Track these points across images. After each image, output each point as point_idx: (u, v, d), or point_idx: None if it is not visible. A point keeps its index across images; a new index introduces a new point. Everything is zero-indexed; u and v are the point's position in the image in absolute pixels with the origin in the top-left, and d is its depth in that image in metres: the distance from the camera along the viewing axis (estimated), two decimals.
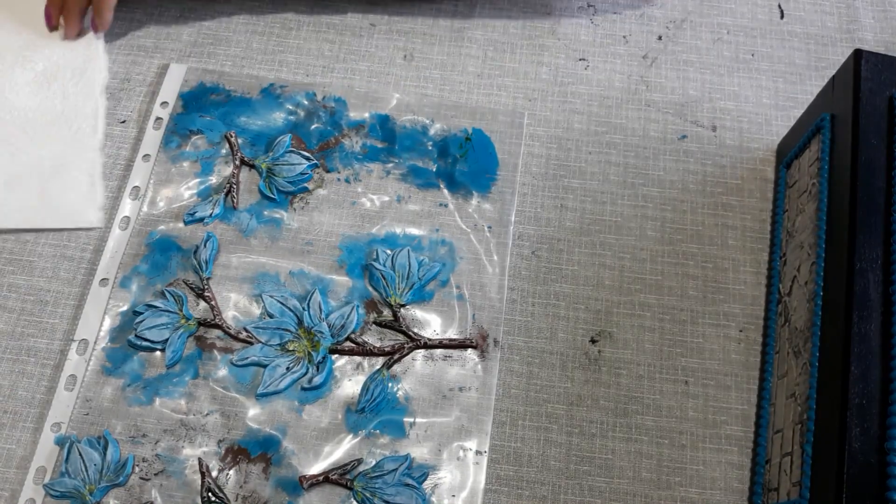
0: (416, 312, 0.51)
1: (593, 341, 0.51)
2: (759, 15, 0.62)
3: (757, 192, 0.55)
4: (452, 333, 0.50)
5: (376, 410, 0.48)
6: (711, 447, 0.48)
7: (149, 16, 0.61)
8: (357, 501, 0.45)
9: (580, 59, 0.60)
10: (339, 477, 0.46)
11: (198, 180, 0.54)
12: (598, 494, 0.47)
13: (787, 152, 0.53)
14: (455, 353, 0.50)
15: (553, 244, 0.53)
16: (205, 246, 0.51)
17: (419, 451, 0.47)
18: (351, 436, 0.47)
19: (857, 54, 0.46)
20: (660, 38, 0.61)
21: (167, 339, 0.49)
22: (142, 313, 0.49)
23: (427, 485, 0.46)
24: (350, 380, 0.49)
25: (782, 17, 0.62)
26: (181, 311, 0.50)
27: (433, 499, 0.46)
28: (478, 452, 0.47)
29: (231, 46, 0.60)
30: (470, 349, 0.50)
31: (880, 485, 0.37)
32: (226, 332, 0.49)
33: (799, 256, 0.48)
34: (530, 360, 0.50)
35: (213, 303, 0.50)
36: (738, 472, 0.47)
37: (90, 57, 0.58)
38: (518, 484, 0.47)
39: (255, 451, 0.47)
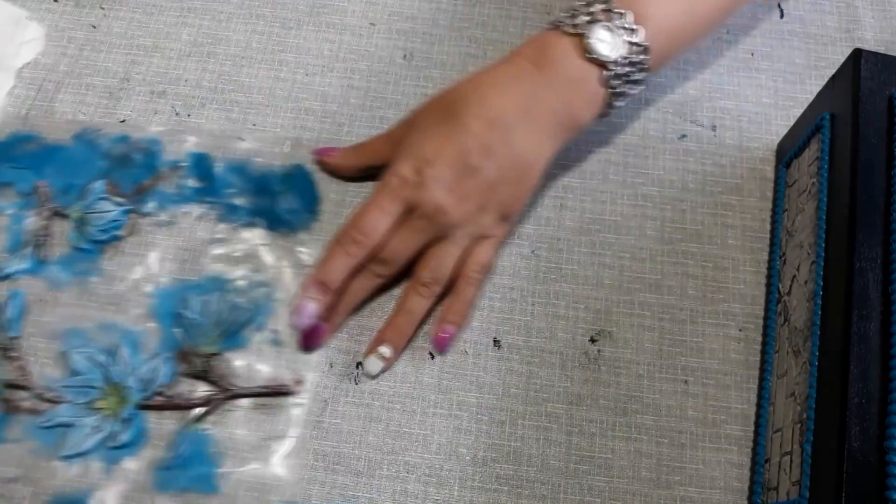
0: (233, 360, 0.49)
1: (593, 341, 0.51)
2: (759, 15, 0.62)
3: (757, 192, 0.55)
4: (268, 380, 0.49)
5: (185, 466, 0.46)
6: (711, 446, 0.48)
7: (149, 15, 0.61)
8: None
9: None
10: None
11: (6, 234, 0.52)
12: (598, 494, 0.47)
13: (787, 152, 0.53)
14: (271, 401, 0.48)
15: (553, 243, 0.53)
16: (8, 304, 0.49)
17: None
18: (160, 494, 0.45)
19: (857, 54, 0.46)
20: None
21: None
22: None
23: None
24: (160, 436, 0.47)
25: (782, 16, 0.62)
26: None
27: None
28: None
29: (231, 46, 0.60)
30: (285, 396, 0.48)
31: (879, 484, 0.37)
32: (32, 394, 0.47)
33: (798, 256, 0.48)
34: (530, 359, 0.50)
35: (19, 363, 0.48)
36: (737, 471, 0.47)
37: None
38: (518, 483, 0.47)
39: None
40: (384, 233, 0.48)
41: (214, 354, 0.49)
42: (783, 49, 0.60)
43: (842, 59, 0.60)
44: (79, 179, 0.53)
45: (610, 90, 0.49)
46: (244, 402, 0.48)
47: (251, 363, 0.49)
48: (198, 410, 0.48)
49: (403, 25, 0.61)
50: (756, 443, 0.47)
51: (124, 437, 0.46)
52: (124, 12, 0.61)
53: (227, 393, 0.48)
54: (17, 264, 0.51)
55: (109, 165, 0.54)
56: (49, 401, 0.47)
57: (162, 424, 0.48)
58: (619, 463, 0.48)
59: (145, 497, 0.46)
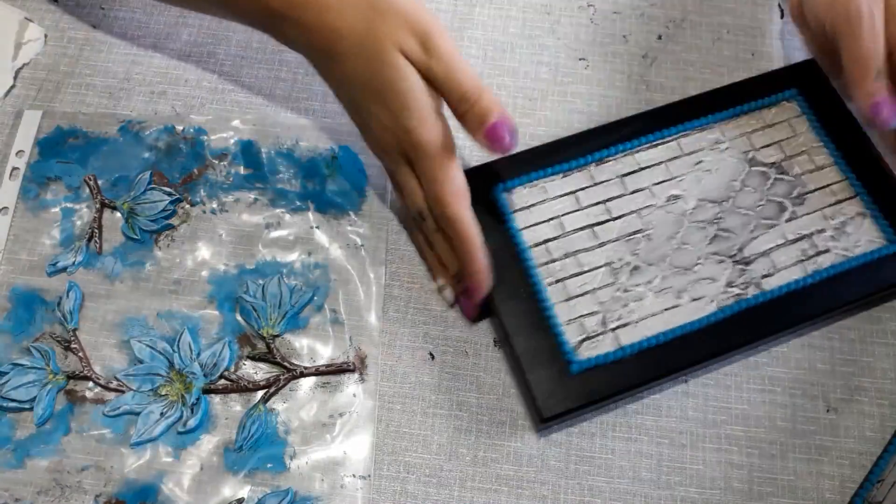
0: (293, 341, 0.50)
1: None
2: (759, 15, 0.62)
3: None
4: (330, 359, 0.49)
5: (255, 447, 0.47)
6: (711, 447, 0.48)
7: (148, 15, 0.61)
8: None
9: (580, 59, 0.60)
10: None
11: (59, 228, 0.52)
12: (598, 494, 0.47)
13: None
14: (333, 378, 0.49)
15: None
16: (67, 296, 0.50)
17: (302, 484, 0.46)
18: (231, 476, 0.46)
19: None
20: (660, 37, 0.61)
21: (35, 398, 0.47)
22: (6, 373, 0.48)
23: None
24: (227, 418, 0.48)
25: (782, 16, 0.62)
26: (48, 366, 0.48)
27: None
28: (362, 477, 0.46)
29: (231, 46, 0.60)
30: (348, 373, 0.49)
31: None
32: (96, 383, 0.48)
33: None
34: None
35: (80, 354, 0.48)
36: (738, 471, 0.47)
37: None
38: (518, 484, 0.47)
39: (135, 501, 0.45)
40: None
41: (276, 336, 0.49)
42: (783, 49, 0.60)
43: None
44: (126, 171, 0.54)
45: None
46: (308, 381, 0.49)
47: (312, 343, 0.50)
48: (262, 392, 0.48)
49: None
50: (876, 464, 0.47)
51: (192, 422, 0.47)
52: (124, 12, 0.61)
53: (290, 373, 0.49)
54: (71, 258, 0.51)
55: (156, 156, 0.55)
56: (114, 390, 0.48)
57: (228, 407, 0.48)
58: (619, 463, 0.48)
59: (216, 479, 0.46)
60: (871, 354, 0.50)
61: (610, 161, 0.53)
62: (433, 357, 0.50)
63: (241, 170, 0.54)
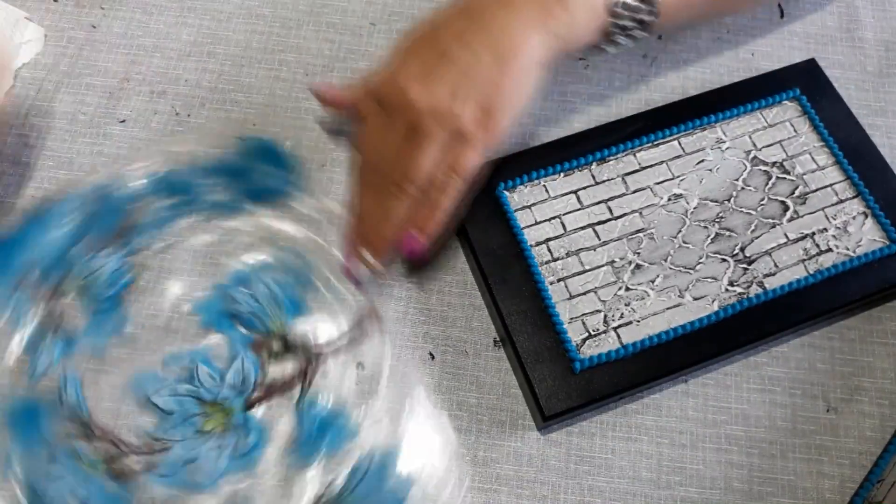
0: (304, 326, 0.50)
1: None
2: (759, 14, 0.62)
3: None
4: (344, 323, 0.50)
5: (317, 436, 0.47)
6: (711, 447, 0.48)
7: (148, 15, 0.61)
8: None
9: (580, 59, 0.60)
10: None
11: (17, 337, 0.49)
12: (598, 494, 0.47)
13: None
14: (360, 347, 0.49)
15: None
16: (66, 391, 0.47)
17: (377, 438, 0.47)
18: (311, 468, 0.46)
19: None
20: (660, 37, 0.61)
21: (85, 498, 0.45)
22: (43, 491, 0.45)
23: (401, 468, 0.46)
24: (280, 420, 0.47)
25: (782, 16, 0.62)
26: (84, 463, 0.46)
27: (411, 477, 0.46)
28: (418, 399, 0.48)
29: (231, 46, 0.60)
30: (368, 330, 0.50)
31: None
32: (138, 453, 0.46)
33: None
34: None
35: (107, 437, 0.46)
36: (738, 471, 0.47)
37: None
38: (518, 484, 0.47)
39: None
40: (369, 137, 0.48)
41: (284, 333, 0.49)
42: (783, 49, 0.60)
43: (842, 58, 0.60)
44: (53, 255, 0.51)
45: (612, 18, 0.47)
46: (335, 358, 0.49)
47: (320, 322, 0.50)
48: (298, 386, 0.48)
49: (403, 25, 0.61)
50: (876, 464, 0.47)
51: (250, 440, 0.47)
52: (124, 12, 0.61)
53: (316, 358, 0.49)
54: (47, 357, 0.48)
55: (78, 227, 0.52)
56: (159, 451, 0.47)
57: (275, 412, 0.48)
58: (619, 463, 0.47)
59: (299, 477, 0.46)
60: (871, 354, 0.50)
61: (611, 160, 0.53)
62: (433, 357, 0.50)
63: (167, 202, 0.53)
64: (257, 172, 0.53)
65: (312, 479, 0.46)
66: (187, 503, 0.45)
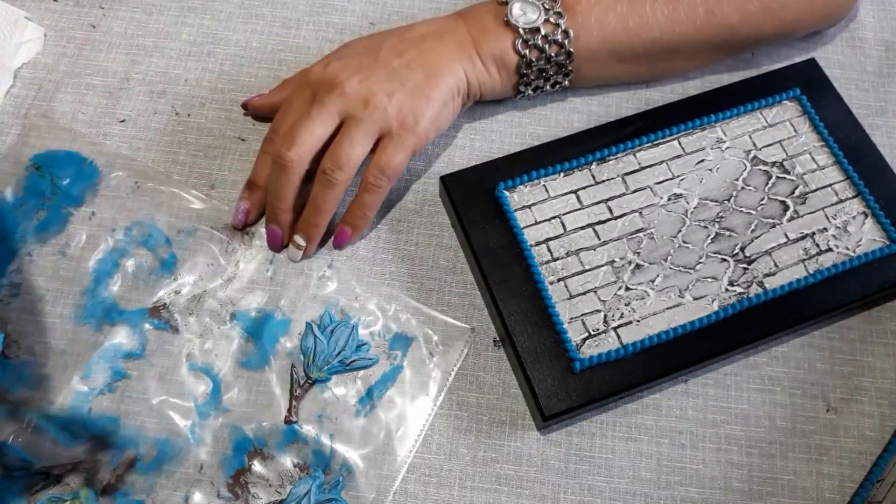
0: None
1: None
2: None
3: None
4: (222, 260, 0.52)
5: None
6: (711, 447, 0.48)
7: (148, 15, 0.61)
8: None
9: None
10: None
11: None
12: (598, 494, 0.47)
13: None
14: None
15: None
16: (8, 457, 0.45)
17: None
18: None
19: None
20: None
21: None
22: None
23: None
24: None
25: None
26: (71, 501, 0.45)
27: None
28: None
29: (231, 46, 0.60)
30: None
31: None
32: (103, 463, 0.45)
33: None
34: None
35: (67, 466, 0.45)
36: (738, 471, 0.47)
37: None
38: (518, 484, 0.47)
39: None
40: (294, 122, 0.50)
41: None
42: (783, 49, 0.60)
43: (842, 58, 0.60)
44: None
45: (520, 57, 0.52)
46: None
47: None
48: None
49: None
50: (876, 464, 0.47)
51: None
52: (124, 12, 0.61)
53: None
54: None
55: None
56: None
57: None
58: (619, 463, 0.47)
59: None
60: (871, 354, 0.50)
61: (611, 160, 0.53)
62: (433, 357, 0.50)
63: None
64: (65, 184, 0.53)
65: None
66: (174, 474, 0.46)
